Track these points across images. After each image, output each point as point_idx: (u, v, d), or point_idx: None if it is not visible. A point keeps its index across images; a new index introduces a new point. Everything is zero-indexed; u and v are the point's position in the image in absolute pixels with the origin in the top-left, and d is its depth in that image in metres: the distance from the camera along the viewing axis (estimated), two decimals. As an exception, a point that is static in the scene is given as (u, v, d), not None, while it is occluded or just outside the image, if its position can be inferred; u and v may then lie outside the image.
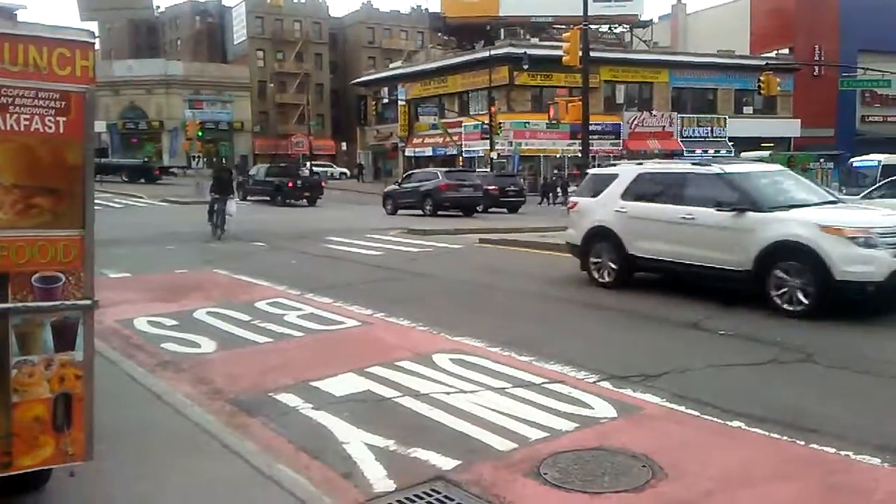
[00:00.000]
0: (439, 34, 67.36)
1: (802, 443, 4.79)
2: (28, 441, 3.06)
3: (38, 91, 2.96)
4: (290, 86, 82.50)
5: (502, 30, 60.10)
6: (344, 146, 78.72)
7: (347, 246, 16.59)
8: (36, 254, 3.01)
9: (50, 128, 3.00)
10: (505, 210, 30.89)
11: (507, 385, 5.98)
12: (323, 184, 37.34)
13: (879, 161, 30.29)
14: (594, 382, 6.11)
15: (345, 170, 69.83)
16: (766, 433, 4.96)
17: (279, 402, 5.60)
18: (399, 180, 31.28)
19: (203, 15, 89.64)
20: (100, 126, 62.65)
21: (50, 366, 3.09)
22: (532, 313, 9.35)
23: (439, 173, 28.58)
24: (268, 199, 33.61)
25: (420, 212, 26.90)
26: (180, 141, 54.97)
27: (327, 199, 35.61)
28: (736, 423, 5.15)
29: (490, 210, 30.06)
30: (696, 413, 5.37)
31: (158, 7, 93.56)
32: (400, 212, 27.70)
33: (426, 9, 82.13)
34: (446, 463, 4.45)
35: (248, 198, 33.74)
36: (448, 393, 5.77)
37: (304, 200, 33.63)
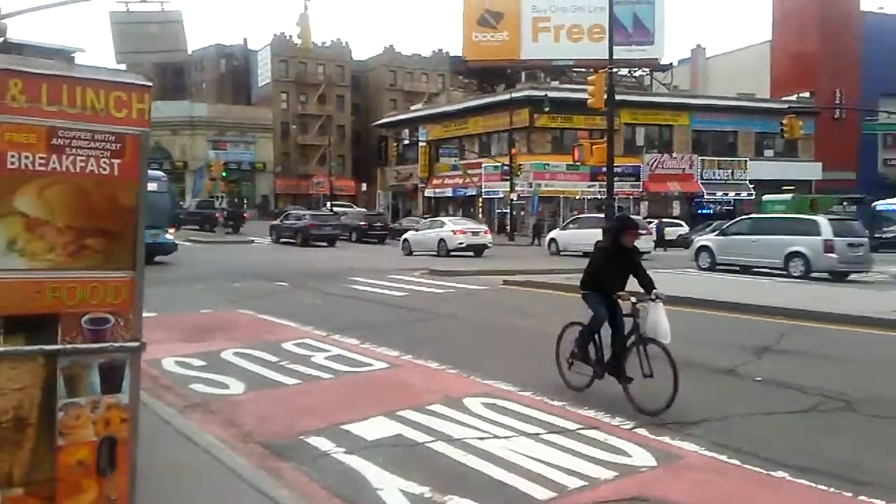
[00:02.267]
0: (460, 77, 68.25)
1: (850, 495, 4.65)
2: (71, 486, 3.01)
3: (94, 133, 2.97)
4: (312, 127, 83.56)
5: (523, 73, 60.76)
6: (364, 186, 79.26)
7: (371, 286, 16.58)
8: (87, 295, 2.99)
9: (105, 170, 3.00)
10: (375, 240, 37.95)
11: (541, 431, 5.87)
12: (245, 215, 48.51)
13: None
14: (630, 429, 5.98)
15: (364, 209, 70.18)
16: (813, 484, 4.82)
17: (310, 446, 5.52)
18: (280, 218, 38.86)
19: (228, 58, 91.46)
20: (125, 166, 63.48)
21: (96, 408, 3.05)
22: (561, 357, 9.22)
23: (307, 215, 36.49)
24: (197, 227, 41.47)
25: (295, 241, 33.88)
26: (204, 181, 55.63)
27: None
28: (780, 474, 5.01)
29: (361, 240, 38.47)
30: (738, 463, 5.23)
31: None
32: (281, 240, 35.24)
33: (447, 52, 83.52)
34: (485, 512, 4.34)
35: (182, 227, 40.98)
36: (482, 438, 5.67)
37: (230, 228, 43.03)
